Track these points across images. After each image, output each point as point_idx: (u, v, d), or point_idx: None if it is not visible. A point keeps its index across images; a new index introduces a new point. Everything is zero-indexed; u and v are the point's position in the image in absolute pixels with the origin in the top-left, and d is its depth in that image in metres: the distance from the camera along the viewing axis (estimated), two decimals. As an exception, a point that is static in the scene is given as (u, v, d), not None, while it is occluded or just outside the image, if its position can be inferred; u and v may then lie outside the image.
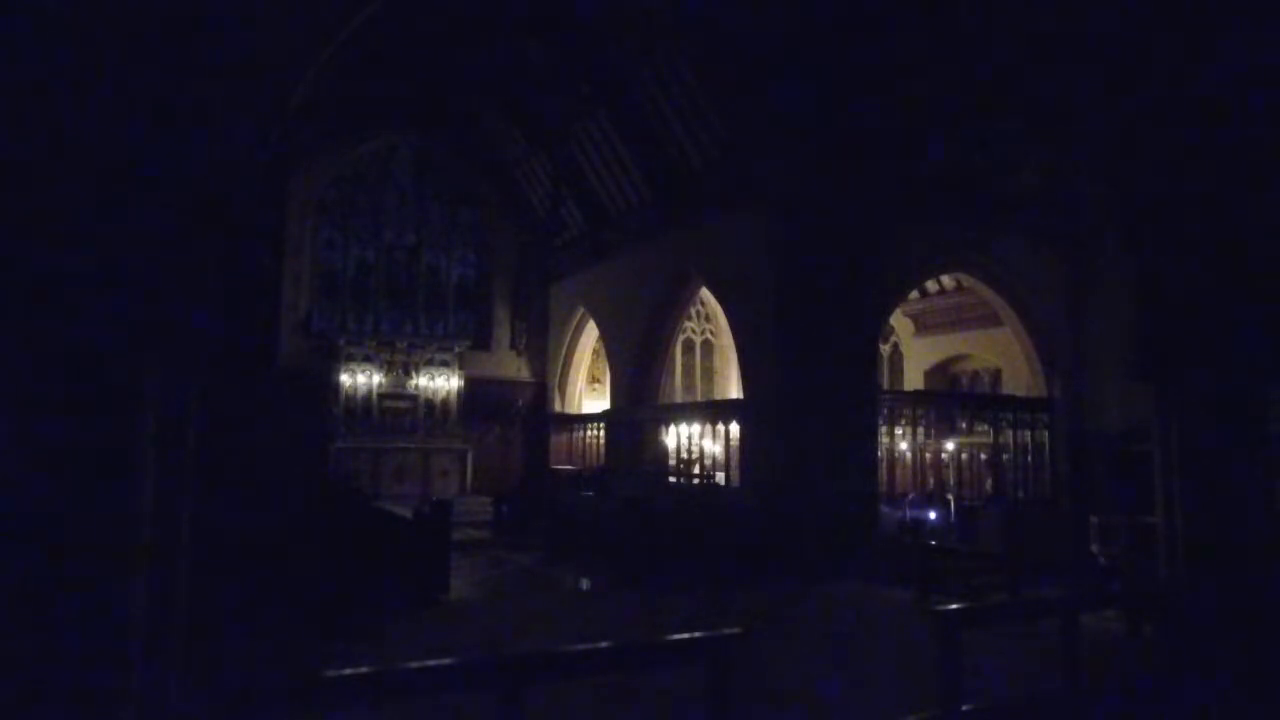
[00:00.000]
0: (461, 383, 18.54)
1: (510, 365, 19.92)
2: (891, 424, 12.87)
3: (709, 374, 19.80)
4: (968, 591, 9.44)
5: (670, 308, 15.97)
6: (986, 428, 13.76)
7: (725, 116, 13.15)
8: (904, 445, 13.35)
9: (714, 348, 19.81)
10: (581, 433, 18.46)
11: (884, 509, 11.93)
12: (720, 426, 13.64)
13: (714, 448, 14.10)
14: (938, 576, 9.81)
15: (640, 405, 16.02)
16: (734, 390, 17.56)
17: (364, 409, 17.66)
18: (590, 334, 19.02)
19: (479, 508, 16.23)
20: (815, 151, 11.86)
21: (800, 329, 11.79)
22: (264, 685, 3.57)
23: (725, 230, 13.49)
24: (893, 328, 17.48)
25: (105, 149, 3.67)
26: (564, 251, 19.18)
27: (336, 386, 17.41)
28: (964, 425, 13.92)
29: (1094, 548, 10.19)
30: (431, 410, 18.22)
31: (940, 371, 17.84)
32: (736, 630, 4.24)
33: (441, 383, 18.36)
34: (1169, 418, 6.63)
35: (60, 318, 3.55)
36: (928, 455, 13.95)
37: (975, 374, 17.57)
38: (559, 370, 19.68)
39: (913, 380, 17.72)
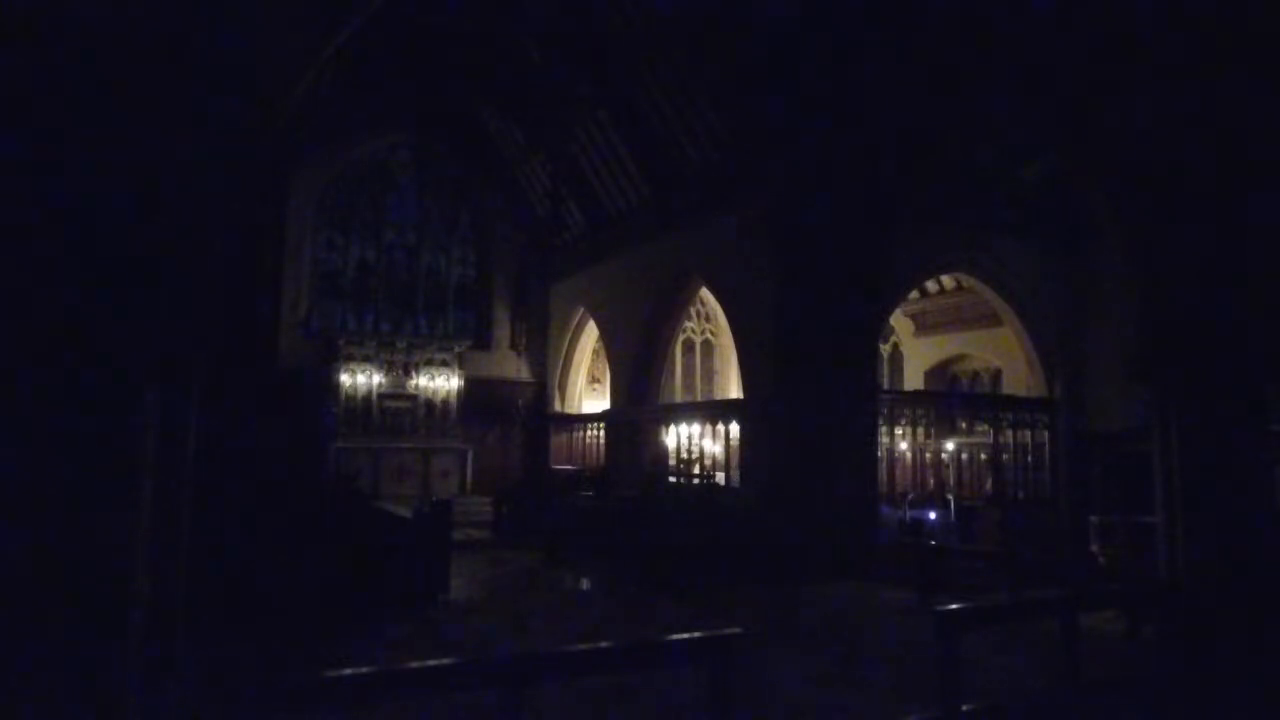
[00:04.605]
0: (461, 383, 18.53)
1: (510, 365, 19.91)
2: (891, 424, 12.86)
3: (709, 374, 19.80)
4: (968, 591, 9.43)
5: (670, 308, 15.96)
6: (986, 428, 13.75)
7: (725, 116, 13.15)
8: (904, 445, 13.35)
9: (714, 348, 19.81)
10: (581, 433, 18.45)
11: (884, 509, 11.92)
12: (720, 426, 13.63)
13: (714, 448, 14.10)
14: (938, 576, 9.81)
15: (640, 405, 16.02)
16: (734, 390, 17.55)
17: (364, 409, 17.64)
18: (590, 334, 19.01)
19: (479, 508, 16.23)
20: (815, 151, 11.86)
21: (800, 328, 11.79)
22: (264, 685, 3.58)
23: (725, 230, 13.49)
24: (893, 328, 17.48)
25: (104, 150, 3.67)
26: (564, 251, 19.18)
27: (336, 386, 17.39)
28: (964, 425, 13.91)
29: (1094, 548, 10.18)
30: (431, 410, 18.20)
31: (940, 371, 17.84)
32: (736, 630, 4.24)
33: (441, 383, 18.35)
34: (1169, 418, 6.63)
35: (61, 318, 3.55)
36: (928, 455, 13.94)
37: (975, 374, 17.58)
38: (559, 370, 19.67)
39: (913, 380, 17.72)
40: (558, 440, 19.32)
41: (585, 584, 10.86)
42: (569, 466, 18.17)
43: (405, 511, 10.64)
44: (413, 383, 18.11)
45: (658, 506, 12.44)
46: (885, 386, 16.38)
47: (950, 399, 15.40)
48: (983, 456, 13.94)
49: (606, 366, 18.06)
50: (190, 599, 4.08)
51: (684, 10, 12.92)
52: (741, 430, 12.91)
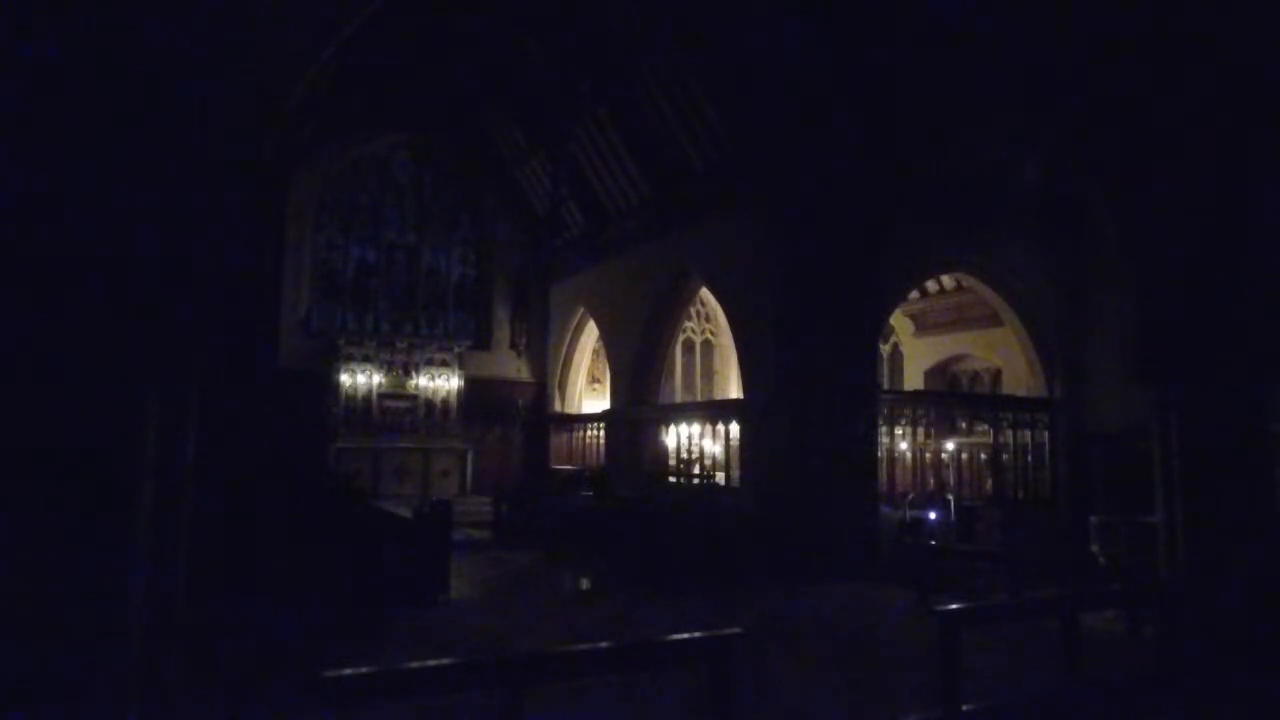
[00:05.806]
0: (461, 383, 18.53)
1: (510, 365, 19.91)
2: (891, 424, 12.86)
3: (709, 374, 19.80)
4: (968, 591, 9.43)
5: (670, 308, 15.96)
6: (986, 428, 13.75)
7: (725, 116, 13.14)
8: (904, 445, 13.35)
9: (714, 348, 19.81)
10: (581, 433, 18.45)
11: (884, 509, 11.91)
12: (720, 426, 13.63)
13: (714, 448, 14.10)
14: (938, 576, 9.80)
15: (640, 405, 16.02)
16: (734, 390, 17.55)
17: (364, 409, 17.64)
18: (590, 334, 19.01)
19: (479, 508, 16.22)
20: (815, 151, 11.86)
21: (800, 329, 11.79)
22: (264, 685, 3.58)
23: (725, 230, 13.48)
24: (893, 328, 17.47)
25: (104, 150, 3.67)
26: (564, 251, 19.18)
27: (336, 386, 17.39)
28: (964, 425, 13.91)
29: (1094, 548, 10.18)
30: (431, 410, 18.20)
31: (940, 371, 17.83)
32: (736, 630, 4.24)
33: (441, 383, 18.35)
34: (1168, 418, 6.63)
35: (60, 318, 3.55)
36: (928, 455, 13.94)
37: (975, 374, 17.57)
38: (559, 370, 19.68)
39: (913, 380, 17.72)
40: (558, 440, 19.32)
41: (585, 584, 10.86)
42: (569, 466, 18.17)
43: (405, 511, 10.63)
44: (413, 383, 18.12)
45: (657, 506, 12.43)
46: (885, 386, 16.38)
47: (950, 399, 15.40)
48: (983, 456, 13.95)
49: (606, 366, 18.06)
50: (189, 599, 4.08)
51: (684, 11, 12.92)
52: (741, 430, 12.90)
